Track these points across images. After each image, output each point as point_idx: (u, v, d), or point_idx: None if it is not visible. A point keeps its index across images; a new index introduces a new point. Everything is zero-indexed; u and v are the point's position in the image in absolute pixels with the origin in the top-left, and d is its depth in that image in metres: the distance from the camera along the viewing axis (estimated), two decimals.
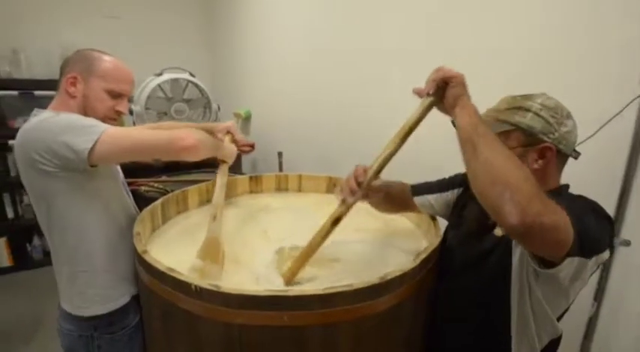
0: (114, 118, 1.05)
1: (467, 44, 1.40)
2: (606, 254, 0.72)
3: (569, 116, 0.80)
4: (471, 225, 0.94)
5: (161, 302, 0.83)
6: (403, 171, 1.52)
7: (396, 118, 1.72)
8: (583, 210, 0.70)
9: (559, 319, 0.85)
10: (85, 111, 1.00)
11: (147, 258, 0.84)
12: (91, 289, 1.02)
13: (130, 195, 1.19)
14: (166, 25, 3.22)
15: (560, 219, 0.61)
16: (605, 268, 1.14)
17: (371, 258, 1.03)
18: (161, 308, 0.86)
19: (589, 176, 1.11)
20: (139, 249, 0.89)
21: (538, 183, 0.63)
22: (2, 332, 2.17)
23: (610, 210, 1.09)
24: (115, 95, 1.03)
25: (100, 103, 1.01)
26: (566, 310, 0.85)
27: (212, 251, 0.99)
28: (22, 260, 2.83)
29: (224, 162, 1.27)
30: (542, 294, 0.77)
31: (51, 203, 0.96)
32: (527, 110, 0.79)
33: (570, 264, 0.68)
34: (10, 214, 2.78)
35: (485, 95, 0.85)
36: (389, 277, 0.80)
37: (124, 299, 1.06)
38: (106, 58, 1.04)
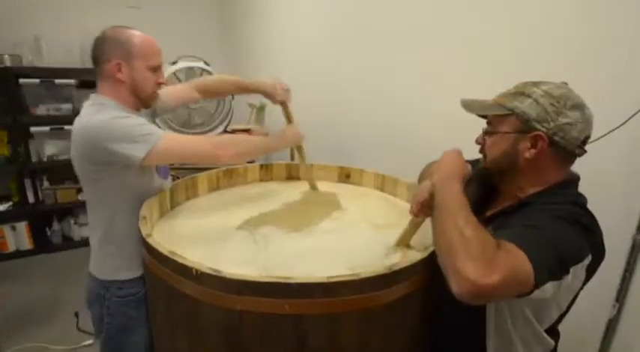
0: (157, 91, 1.15)
1: (483, 32, 1.34)
2: (587, 260, 0.68)
3: (575, 107, 0.73)
4: None
5: (164, 286, 0.82)
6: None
7: (409, 108, 1.70)
8: (549, 226, 0.67)
9: (556, 324, 0.81)
10: (135, 92, 1.10)
11: (150, 241, 0.84)
12: (109, 258, 1.13)
13: (163, 174, 1.25)
14: (183, 15, 3.23)
15: (507, 268, 0.60)
16: (629, 268, 1.07)
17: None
18: (164, 292, 0.85)
19: (614, 172, 1.05)
20: (144, 232, 0.88)
21: (483, 230, 0.65)
22: (22, 313, 2.23)
23: (636, 206, 1.03)
24: (155, 69, 1.11)
25: (147, 81, 1.10)
26: (564, 315, 0.80)
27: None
28: (42, 243, 2.92)
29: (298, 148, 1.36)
30: (526, 307, 0.74)
31: (93, 185, 1.08)
32: (528, 96, 0.76)
33: (547, 287, 0.64)
34: (31, 199, 2.86)
35: (499, 82, 0.81)
36: (397, 267, 0.77)
37: (133, 273, 1.13)
38: (136, 34, 1.09)
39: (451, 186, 0.74)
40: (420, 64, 1.61)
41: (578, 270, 0.67)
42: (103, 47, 1.07)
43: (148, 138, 0.98)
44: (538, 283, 0.61)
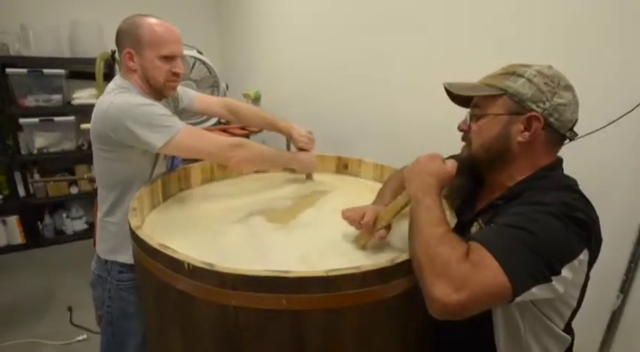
0: (174, 80, 1.13)
1: (484, 18, 1.30)
2: (582, 255, 0.63)
3: (567, 88, 0.71)
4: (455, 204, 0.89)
5: (154, 281, 0.78)
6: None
7: (406, 98, 1.65)
8: (532, 225, 0.61)
9: (570, 321, 0.77)
10: (147, 81, 1.11)
11: (140, 233, 0.79)
12: (113, 239, 1.15)
13: (170, 161, 1.31)
14: (174, 1, 3.13)
15: (474, 283, 0.56)
16: (634, 258, 1.05)
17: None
18: (155, 288, 0.81)
19: (620, 162, 1.02)
20: (133, 224, 0.84)
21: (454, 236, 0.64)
22: (15, 308, 2.19)
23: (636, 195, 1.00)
24: (168, 58, 1.09)
25: (157, 71, 1.09)
26: (576, 311, 0.76)
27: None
28: (33, 238, 2.86)
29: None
30: (534, 306, 0.70)
31: (103, 163, 1.11)
32: (520, 75, 0.72)
33: (534, 292, 0.60)
34: (21, 192, 2.80)
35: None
36: (400, 260, 0.73)
37: (131, 259, 1.12)
38: (150, 22, 1.07)
39: (425, 200, 0.70)
40: (418, 52, 1.56)
41: (575, 267, 0.63)
42: (119, 36, 1.09)
43: (169, 129, 1.01)
44: (518, 291, 0.57)
